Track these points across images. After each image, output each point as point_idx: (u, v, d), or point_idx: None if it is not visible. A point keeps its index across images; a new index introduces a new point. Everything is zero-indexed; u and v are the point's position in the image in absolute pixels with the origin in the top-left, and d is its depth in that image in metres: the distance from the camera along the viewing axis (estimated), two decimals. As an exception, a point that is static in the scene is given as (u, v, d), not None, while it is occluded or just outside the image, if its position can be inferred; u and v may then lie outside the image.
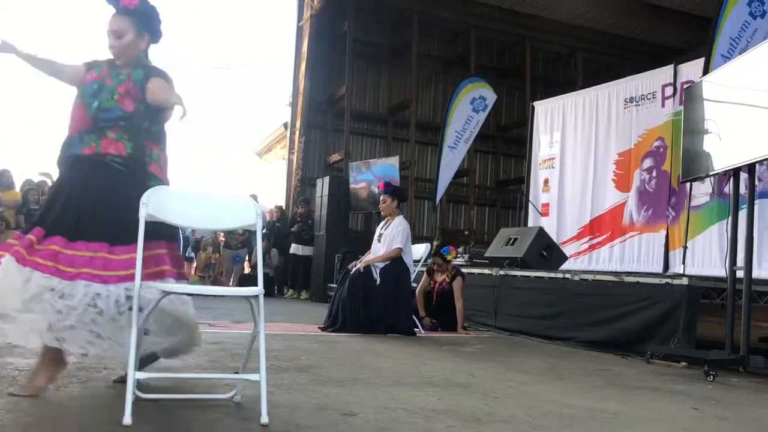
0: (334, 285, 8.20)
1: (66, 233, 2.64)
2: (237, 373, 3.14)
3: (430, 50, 14.22)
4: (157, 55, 3.07)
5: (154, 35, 3.01)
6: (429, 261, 6.81)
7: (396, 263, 5.99)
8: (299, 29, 13.36)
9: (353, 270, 6.03)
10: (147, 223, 2.51)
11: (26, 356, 3.49)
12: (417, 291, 6.53)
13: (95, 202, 2.70)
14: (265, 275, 10.37)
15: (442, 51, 14.57)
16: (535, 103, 10.14)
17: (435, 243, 8.95)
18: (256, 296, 2.41)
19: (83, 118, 2.82)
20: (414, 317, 6.19)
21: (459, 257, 9.21)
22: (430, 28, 13.75)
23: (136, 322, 2.36)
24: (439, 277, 6.57)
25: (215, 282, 10.89)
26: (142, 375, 2.35)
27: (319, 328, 5.96)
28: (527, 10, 13.27)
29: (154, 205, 2.47)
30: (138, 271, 2.40)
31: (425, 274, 6.69)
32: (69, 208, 2.70)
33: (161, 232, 2.78)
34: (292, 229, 11.41)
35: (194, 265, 12.16)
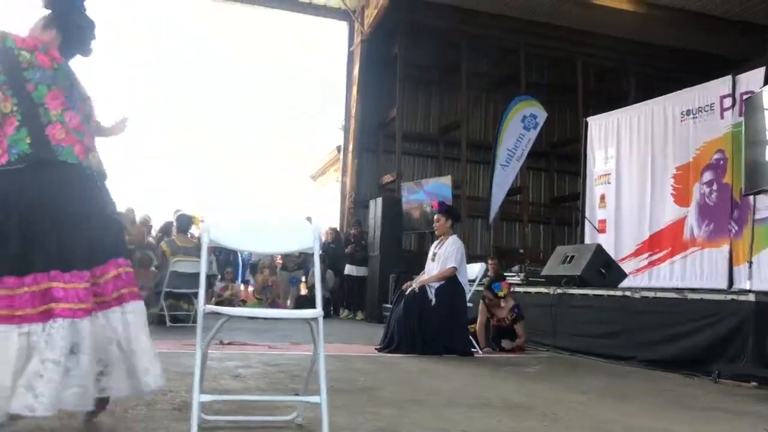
0: (389, 305, 8.22)
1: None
2: (297, 394, 3.19)
3: (479, 69, 14.22)
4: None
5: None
6: (484, 281, 6.75)
7: (451, 283, 5.97)
8: (350, 54, 13.58)
9: (408, 290, 6.04)
10: (103, 241, 2.46)
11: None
12: (477, 324, 6.43)
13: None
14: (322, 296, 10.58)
15: (491, 70, 14.56)
16: (589, 119, 10.02)
17: (489, 262, 8.90)
18: (316, 319, 2.45)
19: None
20: (471, 338, 6.15)
21: (514, 276, 9.13)
22: (479, 48, 13.77)
23: (200, 345, 2.43)
24: (500, 313, 6.43)
25: (273, 304, 11.05)
26: (206, 398, 2.42)
27: (375, 348, 5.98)
28: (577, 25, 13.15)
29: (216, 231, 2.55)
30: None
31: (482, 304, 6.54)
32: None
33: (118, 248, 2.60)
34: (346, 250, 11.51)
35: (251, 287, 12.39)
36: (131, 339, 2.54)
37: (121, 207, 11.10)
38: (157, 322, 7.81)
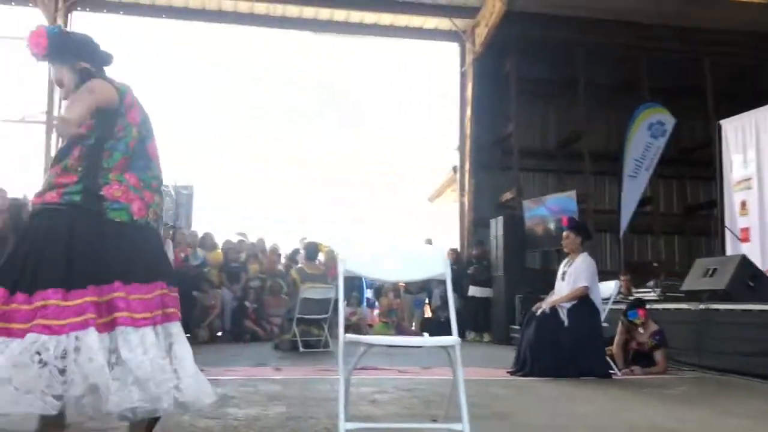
0: (516, 327, 8.07)
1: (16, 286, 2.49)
2: (435, 420, 3.19)
3: (596, 79, 13.77)
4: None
5: (90, 58, 2.81)
6: (619, 296, 6.44)
7: (584, 302, 5.76)
8: (462, 75, 13.59)
9: (539, 311, 5.89)
10: (146, 263, 2.59)
11: (242, 407, 3.78)
12: (614, 345, 6.15)
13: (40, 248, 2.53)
14: (447, 319, 10.52)
15: (609, 78, 14.04)
16: (722, 122, 9.43)
17: (621, 279, 8.51)
18: (453, 346, 2.44)
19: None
20: (608, 359, 5.89)
21: (649, 291, 8.68)
22: (595, 57, 13.35)
23: (342, 373, 2.48)
24: (640, 337, 6.11)
25: (398, 327, 11.12)
26: (351, 426, 2.46)
27: (507, 372, 5.86)
28: (703, 24, 12.44)
29: (352, 261, 2.61)
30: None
31: (621, 325, 6.24)
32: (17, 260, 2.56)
33: (159, 271, 2.69)
34: (468, 271, 11.42)
35: (376, 311, 12.54)
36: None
37: (252, 236, 11.68)
38: (290, 347, 8.08)
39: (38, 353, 2.37)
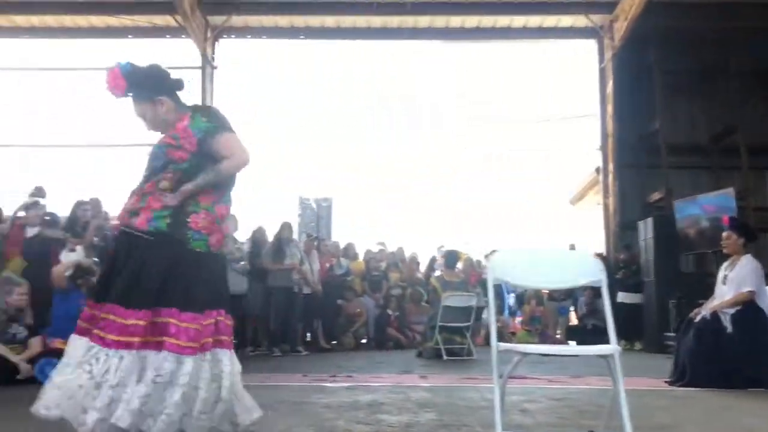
0: (670, 334, 7.63)
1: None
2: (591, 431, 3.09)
3: (747, 66, 12.72)
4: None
5: (169, 91, 2.99)
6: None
7: (749, 308, 5.33)
8: (601, 71, 13.09)
9: (698, 318, 5.53)
10: (208, 292, 2.75)
11: (394, 413, 3.87)
12: None
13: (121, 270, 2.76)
14: (594, 326, 10.15)
15: (764, 64, 12.93)
16: None
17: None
18: (613, 355, 2.36)
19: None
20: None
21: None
22: (744, 43, 12.36)
23: (497, 382, 2.47)
24: None
25: (542, 335, 10.88)
26: (508, 434, 2.44)
27: (665, 382, 5.55)
28: None
29: (500, 269, 2.60)
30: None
31: None
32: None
33: (218, 300, 2.86)
34: (617, 276, 10.94)
35: (518, 318, 12.33)
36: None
37: (391, 246, 11.91)
38: (433, 355, 8.14)
39: (89, 364, 2.59)
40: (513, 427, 3.42)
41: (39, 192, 8.13)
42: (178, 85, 3.07)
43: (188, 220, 2.78)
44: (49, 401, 2.61)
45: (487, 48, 14.95)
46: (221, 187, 2.92)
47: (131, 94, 2.96)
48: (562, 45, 14.33)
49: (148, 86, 2.95)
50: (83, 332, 2.69)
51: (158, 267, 2.70)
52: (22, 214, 7.47)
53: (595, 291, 10.84)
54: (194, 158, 2.83)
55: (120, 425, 2.49)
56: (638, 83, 12.71)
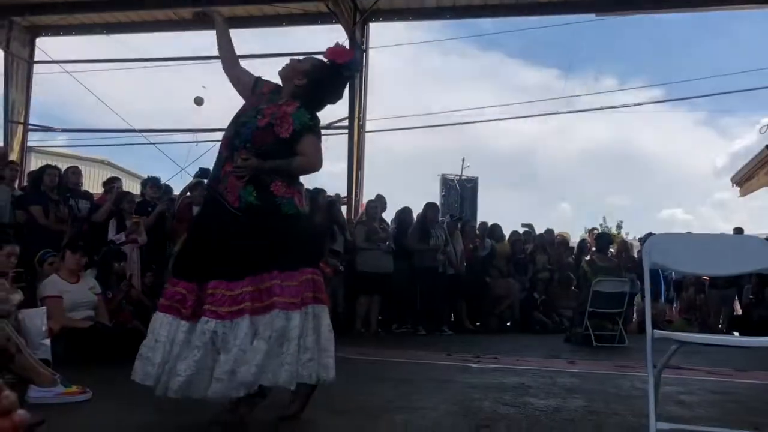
0: None
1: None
2: (757, 429, 2.89)
3: None
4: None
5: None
6: None
7: None
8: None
9: None
10: (302, 252, 2.90)
11: (541, 397, 3.82)
12: None
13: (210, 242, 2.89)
14: (761, 317, 9.34)
15: None
16: None
17: None
18: (785, 348, 2.18)
19: (225, 141, 3.03)
20: None
21: None
22: None
23: (651, 371, 2.36)
24: None
25: (702, 325, 10.20)
26: (663, 426, 2.34)
27: None
28: None
29: (658, 253, 2.47)
30: None
31: None
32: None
33: (310, 259, 3.00)
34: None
35: (675, 306, 11.64)
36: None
37: (545, 229, 11.63)
38: (582, 341, 7.90)
39: (210, 337, 2.74)
40: (667, 418, 3.24)
41: (204, 173, 8.80)
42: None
43: (271, 189, 2.91)
44: (175, 385, 2.76)
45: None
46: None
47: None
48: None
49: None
50: (167, 310, 2.86)
51: (256, 238, 2.84)
52: (188, 194, 8.11)
53: (763, 279, 9.97)
54: (277, 144, 2.93)
55: (246, 383, 2.70)
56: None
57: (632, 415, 3.26)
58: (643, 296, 10.85)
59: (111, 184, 7.90)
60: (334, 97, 3.22)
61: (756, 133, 12.95)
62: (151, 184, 8.11)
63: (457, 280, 9.65)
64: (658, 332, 2.41)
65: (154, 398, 2.85)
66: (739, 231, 11.12)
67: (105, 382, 3.92)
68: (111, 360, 4.91)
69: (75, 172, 7.73)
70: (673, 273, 11.26)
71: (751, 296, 10.26)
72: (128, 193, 7.78)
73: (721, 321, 10.72)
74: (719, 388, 4.42)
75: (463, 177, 15.45)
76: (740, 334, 9.86)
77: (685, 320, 10.40)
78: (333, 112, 13.33)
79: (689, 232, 2.60)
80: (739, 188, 17.18)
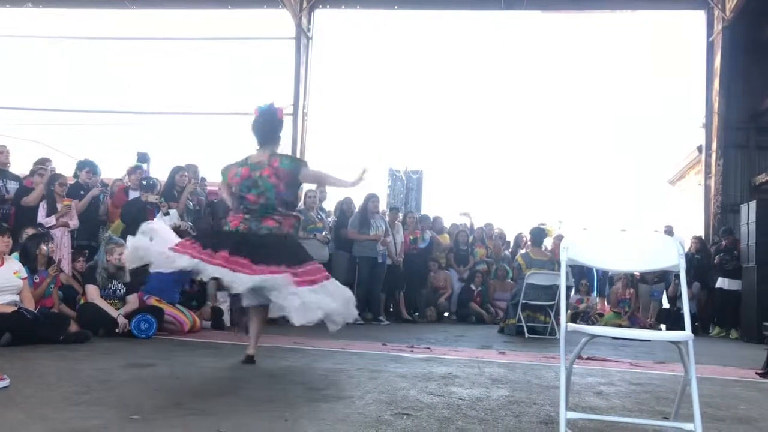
0: (771, 324, 7.24)
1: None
2: (666, 419, 3.02)
3: None
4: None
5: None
6: None
7: None
8: (709, 45, 12.37)
9: (796, 309, 5.23)
10: (298, 253, 4.51)
11: (466, 387, 3.90)
12: None
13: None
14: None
15: None
16: None
17: None
18: (686, 342, 2.29)
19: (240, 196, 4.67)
20: None
21: None
22: None
23: (564, 362, 2.45)
24: None
25: (632, 318, 10.56)
26: (573, 415, 2.43)
27: (756, 373, 5.29)
28: None
29: (574, 249, 2.56)
30: None
31: None
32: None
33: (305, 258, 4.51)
34: (715, 261, 10.43)
35: (607, 300, 12.00)
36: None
37: (480, 222, 11.83)
38: (515, 332, 8.09)
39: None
40: (586, 408, 3.38)
41: (143, 157, 8.61)
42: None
43: (281, 223, 4.60)
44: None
45: (587, 19, 14.40)
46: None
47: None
48: (667, 16, 13.64)
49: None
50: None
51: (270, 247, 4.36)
52: (126, 177, 7.93)
53: (690, 276, 10.40)
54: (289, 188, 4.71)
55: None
56: (750, 58, 11.97)
57: (550, 405, 3.37)
58: (577, 290, 11.18)
59: (42, 165, 7.64)
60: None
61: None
62: (88, 168, 7.87)
63: (396, 270, 9.73)
64: (571, 325, 2.50)
65: (75, 388, 2.80)
66: (669, 229, 11.56)
67: (25, 369, 3.83)
68: (34, 346, 4.82)
69: (2, 151, 7.45)
70: (605, 267, 11.61)
71: (679, 290, 10.66)
72: (60, 175, 7.53)
73: (650, 314, 11.11)
74: (637, 379, 4.60)
75: (408, 169, 15.53)
76: (667, 327, 10.27)
77: (615, 314, 10.75)
78: (278, 99, 13.25)
79: (603, 230, 2.69)
80: (672, 186, 17.81)
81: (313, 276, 4.34)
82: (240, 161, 4.68)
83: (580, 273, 11.15)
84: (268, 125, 4.72)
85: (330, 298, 4.28)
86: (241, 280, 4.02)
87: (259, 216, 4.52)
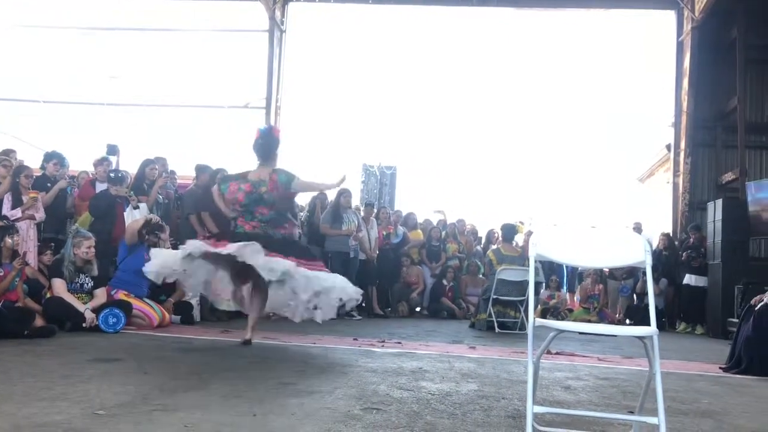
0: (734, 320, 7.39)
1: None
2: (632, 413, 3.06)
3: None
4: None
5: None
6: None
7: (815, 297, 5.12)
8: (679, 44, 12.56)
9: (759, 305, 5.33)
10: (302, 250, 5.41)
11: (436, 381, 3.92)
12: None
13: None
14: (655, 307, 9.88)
15: None
16: None
17: None
18: (651, 337, 2.32)
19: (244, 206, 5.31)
20: None
21: None
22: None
23: (531, 357, 2.47)
24: None
25: (601, 313, 10.69)
26: (539, 409, 2.45)
27: (720, 368, 5.40)
28: None
29: (543, 245, 2.58)
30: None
31: None
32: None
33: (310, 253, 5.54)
34: (681, 257, 10.62)
35: (577, 295, 12.14)
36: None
37: (452, 218, 11.88)
38: (485, 327, 8.15)
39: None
40: (553, 403, 3.42)
41: (111, 150, 8.44)
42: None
43: (292, 231, 5.44)
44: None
45: (561, 17, 14.50)
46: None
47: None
48: (638, 16, 13.82)
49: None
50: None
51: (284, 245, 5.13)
52: (92, 170, 7.80)
53: (659, 272, 10.57)
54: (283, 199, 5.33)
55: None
56: (719, 59, 12.18)
57: (518, 399, 3.40)
58: (547, 285, 11.29)
59: (6, 156, 7.48)
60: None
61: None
62: (55, 160, 7.72)
63: (368, 265, 9.73)
64: (539, 320, 2.52)
65: (38, 383, 2.75)
66: (638, 226, 11.73)
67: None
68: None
69: (-34, 141, 7.28)
70: (575, 264, 11.74)
71: (643, 287, 10.83)
72: (26, 167, 7.38)
73: (618, 310, 11.27)
74: (604, 374, 4.67)
75: (382, 164, 15.52)
76: (635, 323, 10.42)
77: (585, 309, 10.88)
78: (252, 92, 13.15)
79: (571, 226, 2.72)
80: (642, 184, 18.06)
81: (322, 268, 5.28)
82: (238, 175, 5.33)
83: (551, 269, 11.27)
84: (267, 146, 5.33)
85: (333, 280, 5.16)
86: (278, 264, 4.78)
87: (274, 225, 5.22)
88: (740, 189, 10.93)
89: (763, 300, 5.34)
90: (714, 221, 10.08)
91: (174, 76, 13.57)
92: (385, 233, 10.39)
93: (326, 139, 16.56)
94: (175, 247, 7.17)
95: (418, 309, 10.94)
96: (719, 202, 10.19)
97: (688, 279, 10.38)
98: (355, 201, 10.67)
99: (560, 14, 14.18)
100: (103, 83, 13.79)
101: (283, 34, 13.15)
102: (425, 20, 14.83)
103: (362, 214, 9.93)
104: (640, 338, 2.39)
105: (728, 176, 11.92)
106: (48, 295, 5.85)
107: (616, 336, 2.72)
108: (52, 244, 6.99)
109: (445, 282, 10.78)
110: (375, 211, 10.52)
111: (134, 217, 6.95)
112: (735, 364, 5.28)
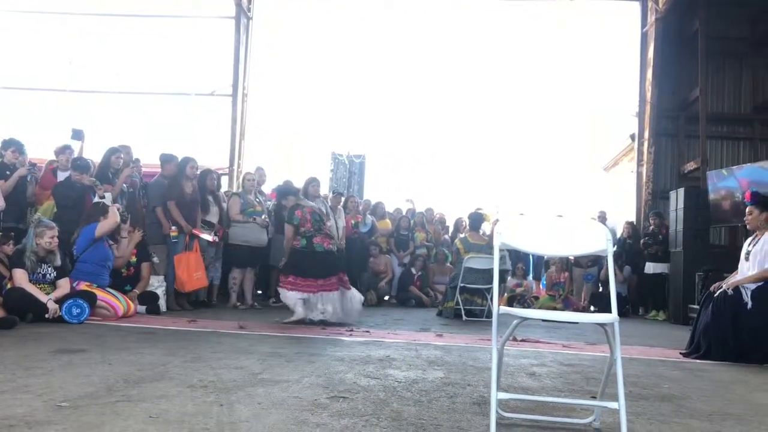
0: (695, 306, 7.56)
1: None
2: (594, 398, 3.12)
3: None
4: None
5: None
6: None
7: (771, 284, 5.27)
8: (643, 35, 12.74)
9: (718, 292, 5.47)
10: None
11: (403, 369, 3.95)
12: None
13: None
14: (617, 294, 10.08)
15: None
16: None
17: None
18: (612, 324, 2.37)
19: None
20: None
21: None
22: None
23: (495, 344, 2.51)
24: None
25: (566, 301, 10.86)
26: (503, 395, 2.49)
27: (680, 353, 5.54)
28: None
29: (507, 234, 2.61)
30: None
31: None
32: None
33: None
34: (642, 245, 10.83)
35: (543, 283, 12.31)
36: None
37: (421, 207, 11.94)
38: (453, 315, 8.22)
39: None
40: (516, 389, 3.47)
41: (77, 134, 8.20)
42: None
43: (313, 240, 6.79)
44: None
45: (525, 6, 14.57)
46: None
47: None
48: (602, 6, 13.97)
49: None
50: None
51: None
52: (54, 158, 7.63)
53: (623, 260, 10.77)
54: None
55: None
56: (682, 50, 12.39)
57: (484, 386, 3.45)
58: (514, 274, 11.41)
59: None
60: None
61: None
62: (13, 148, 7.51)
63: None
64: (503, 308, 2.56)
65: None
66: (603, 214, 11.92)
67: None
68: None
69: None
70: (541, 252, 11.88)
71: (606, 274, 11.02)
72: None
73: (583, 297, 11.46)
74: (568, 360, 4.75)
75: (351, 153, 15.48)
76: (599, 310, 10.61)
77: (551, 297, 11.04)
78: (218, 80, 12.97)
79: (534, 215, 2.76)
80: (607, 173, 18.30)
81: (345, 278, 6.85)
82: (297, 206, 6.98)
83: (517, 257, 11.39)
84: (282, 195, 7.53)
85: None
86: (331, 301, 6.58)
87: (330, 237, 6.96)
88: (701, 178, 11.16)
89: (721, 287, 5.48)
90: (676, 210, 10.29)
91: (139, 63, 13.32)
92: (353, 222, 10.39)
93: (294, 128, 16.43)
94: (143, 239, 7.09)
95: (386, 298, 10.98)
96: (681, 190, 10.39)
97: (648, 267, 10.60)
98: (324, 190, 10.64)
99: (525, 3, 14.26)
100: (63, 69, 13.47)
101: (249, 20, 13.00)
102: (391, 7, 14.77)
103: (330, 203, 9.90)
104: (602, 325, 2.43)
105: (690, 165, 12.16)
106: (9, 286, 5.73)
107: (578, 323, 2.76)
108: (12, 233, 6.83)
109: (413, 271, 10.83)
110: (343, 199, 10.51)
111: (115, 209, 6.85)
112: (695, 350, 5.42)
